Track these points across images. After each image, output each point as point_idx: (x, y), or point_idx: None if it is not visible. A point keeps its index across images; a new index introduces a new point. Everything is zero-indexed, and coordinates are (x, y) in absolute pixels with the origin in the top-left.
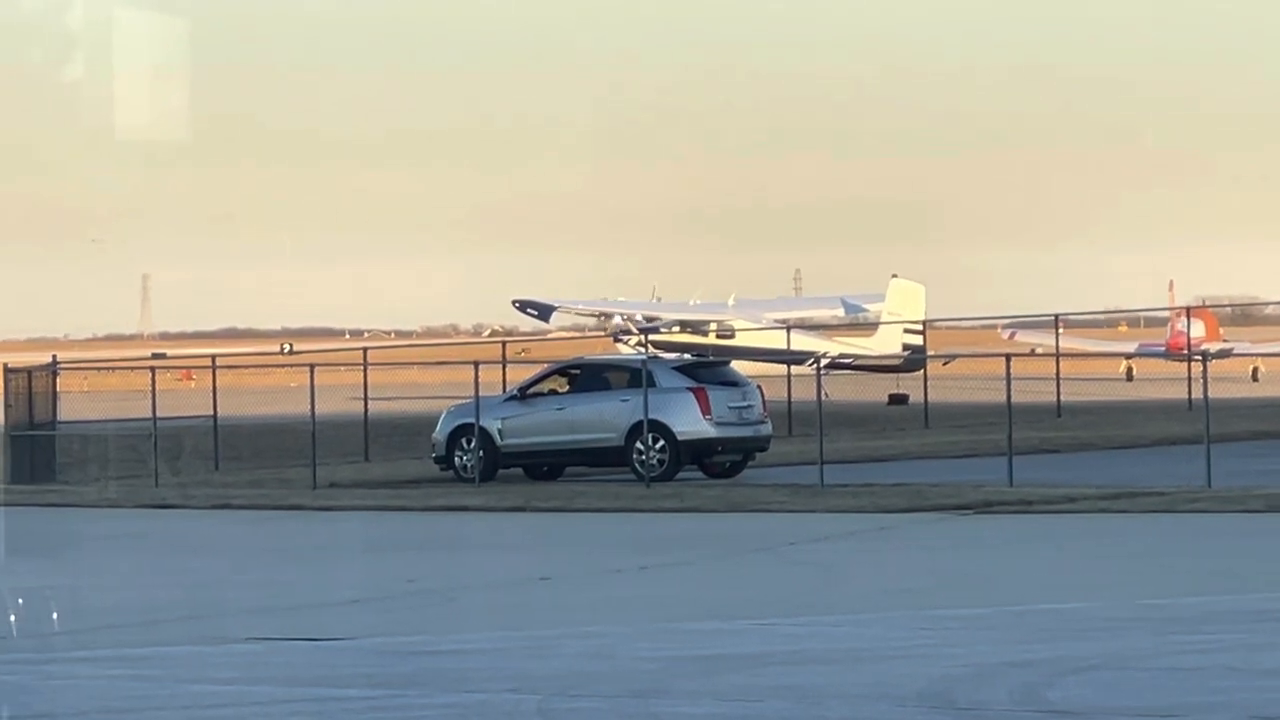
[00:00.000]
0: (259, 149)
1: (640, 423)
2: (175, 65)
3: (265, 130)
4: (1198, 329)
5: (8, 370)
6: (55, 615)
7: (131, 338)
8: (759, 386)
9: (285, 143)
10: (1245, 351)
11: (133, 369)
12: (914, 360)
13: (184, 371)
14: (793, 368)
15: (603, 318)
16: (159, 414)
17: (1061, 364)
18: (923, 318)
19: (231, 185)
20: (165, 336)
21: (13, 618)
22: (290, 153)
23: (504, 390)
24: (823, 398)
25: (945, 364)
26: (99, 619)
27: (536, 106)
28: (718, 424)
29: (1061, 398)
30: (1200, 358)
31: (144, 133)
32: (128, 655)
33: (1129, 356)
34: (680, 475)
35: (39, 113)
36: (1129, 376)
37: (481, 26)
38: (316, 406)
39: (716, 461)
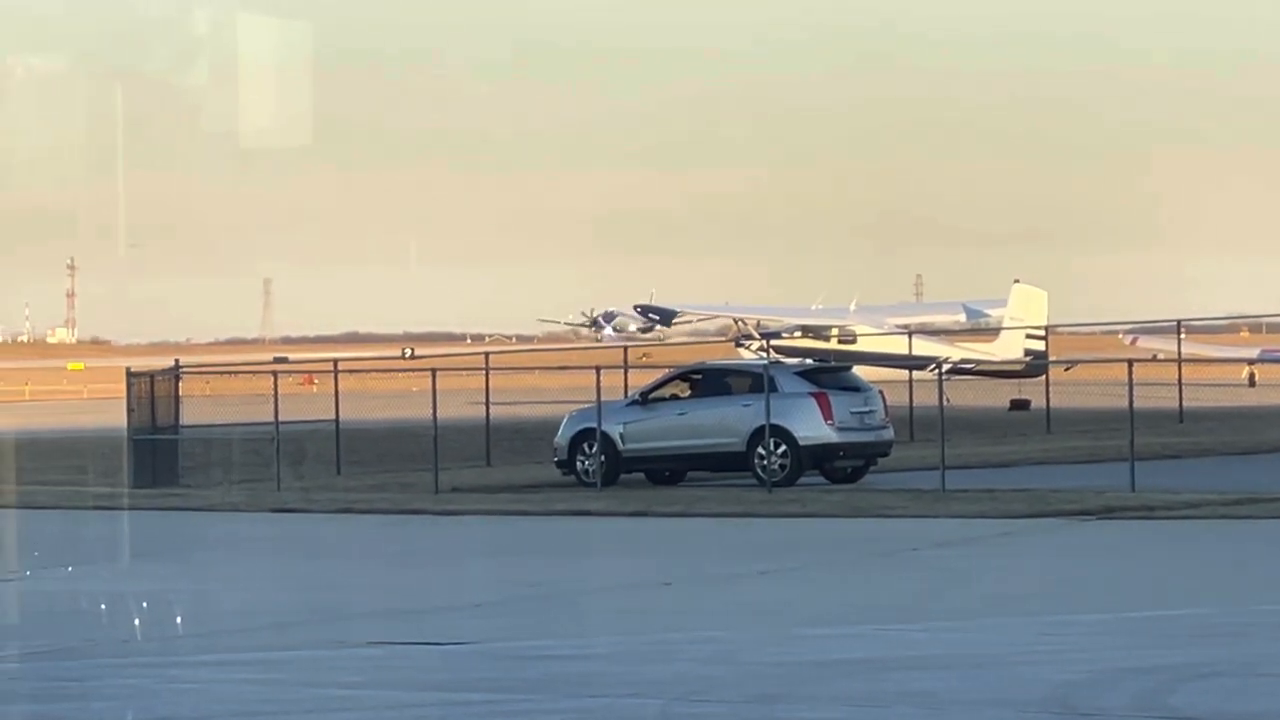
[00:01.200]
0: (382, 153)
1: (762, 428)
2: (297, 69)
3: (388, 133)
4: None
5: (130, 374)
6: (179, 619)
7: (253, 342)
8: (880, 391)
9: (408, 146)
10: None
11: (255, 373)
12: (1036, 365)
13: (306, 376)
14: (914, 373)
15: (739, 323)
16: (281, 418)
17: (1183, 369)
18: (1044, 323)
19: (354, 189)
20: (287, 340)
21: (136, 621)
22: (413, 156)
23: (626, 395)
24: (944, 403)
25: (1067, 369)
26: (222, 622)
27: (663, 112)
28: (839, 429)
29: (1183, 403)
30: None
31: (266, 138)
32: (251, 659)
33: (1251, 362)
34: (802, 480)
35: (161, 118)
36: (1251, 382)
37: (605, 29)
38: (438, 411)
39: (838, 467)
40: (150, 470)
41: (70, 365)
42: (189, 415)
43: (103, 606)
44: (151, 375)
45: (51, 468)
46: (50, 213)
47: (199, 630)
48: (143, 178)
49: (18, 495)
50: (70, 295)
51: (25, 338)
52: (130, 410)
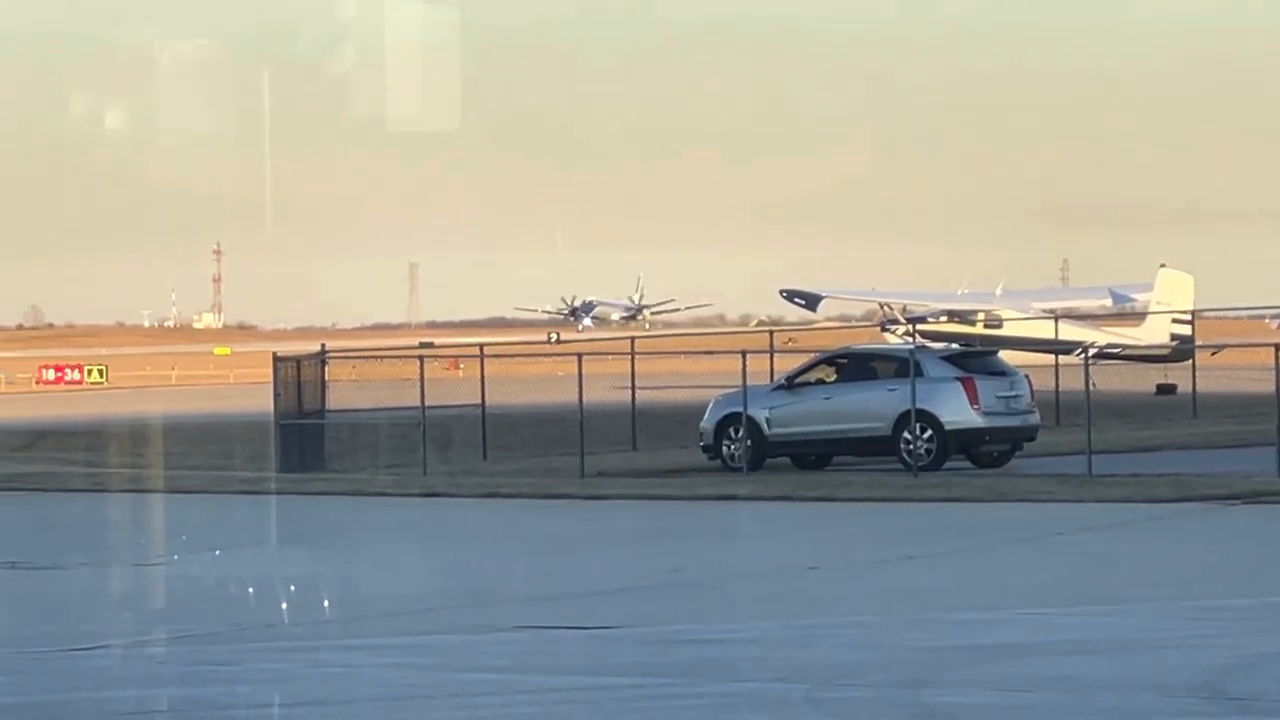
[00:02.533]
0: (529, 137)
1: (908, 412)
2: (444, 52)
3: (536, 118)
4: None
5: (277, 359)
6: (325, 603)
7: (399, 327)
8: (1026, 376)
9: (555, 131)
10: None
11: (401, 358)
12: (1182, 350)
13: (452, 360)
14: (1060, 357)
15: (884, 308)
16: (427, 403)
17: None
18: (1191, 307)
19: (501, 174)
20: (433, 325)
21: (283, 605)
22: (560, 141)
23: (771, 380)
24: (1090, 387)
25: (1214, 354)
26: (368, 607)
27: (808, 95)
28: (985, 414)
29: None
30: None
31: (413, 122)
32: (397, 643)
33: None
34: (947, 465)
35: (309, 103)
36: None
37: (748, 10)
38: (584, 395)
39: (984, 451)
40: (297, 455)
41: (216, 350)
42: (335, 400)
43: (249, 590)
44: (298, 360)
45: (198, 453)
46: (197, 197)
47: (345, 614)
48: (290, 162)
49: (165, 480)
50: (216, 280)
51: (172, 323)
52: (277, 395)
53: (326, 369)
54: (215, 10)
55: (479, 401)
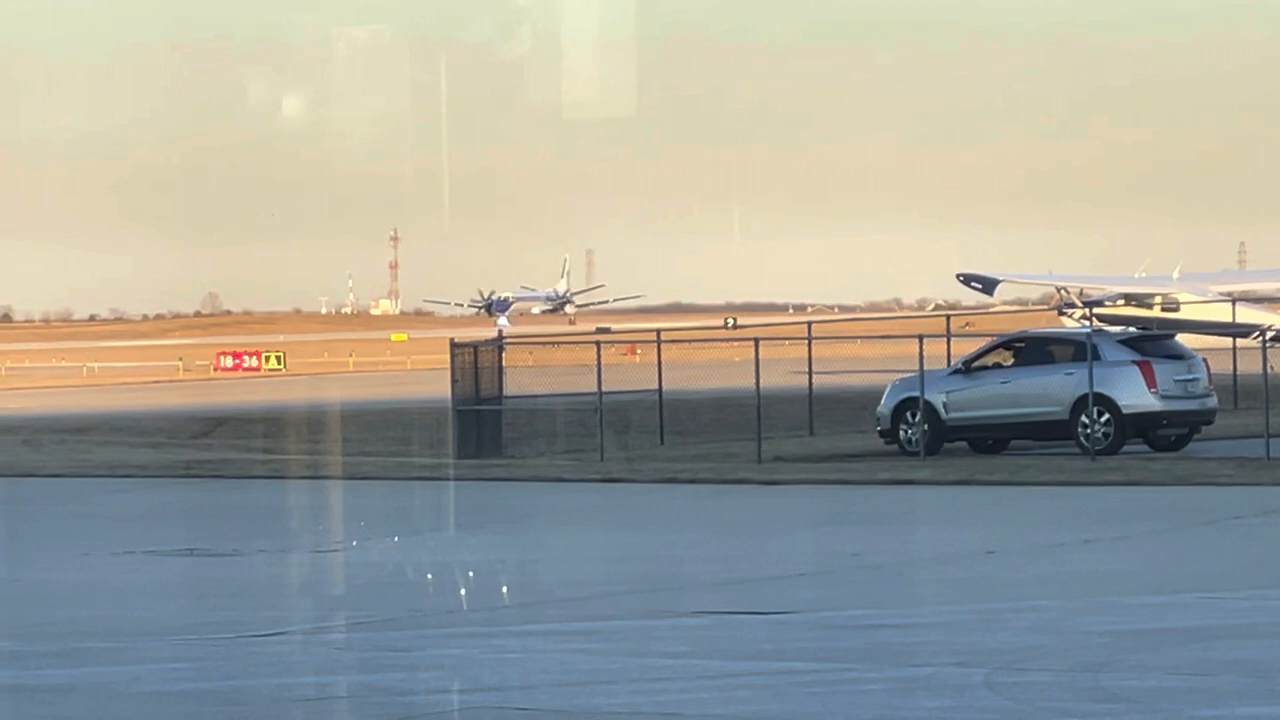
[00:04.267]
0: (703, 123)
1: (1085, 396)
2: (620, 40)
3: (710, 104)
4: None
5: (454, 345)
6: (504, 588)
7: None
8: (1204, 359)
9: (730, 117)
10: None
11: (578, 343)
12: None
13: (628, 346)
14: (1238, 340)
15: (1061, 291)
16: (605, 388)
17: None
18: None
19: (676, 160)
20: (608, 311)
21: (462, 591)
22: (735, 127)
23: (948, 364)
24: (1269, 370)
25: None
26: (547, 592)
27: (986, 84)
28: (1163, 397)
29: None
30: None
31: (589, 109)
32: (576, 629)
33: None
34: (1125, 448)
35: (484, 90)
36: None
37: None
38: (761, 380)
39: (1161, 435)
40: (474, 441)
41: (393, 336)
42: (512, 386)
43: (428, 576)
44: (475, 346)
45: (376, 439)
46: (375, 184)
47: (524, 600)
48: (466, 149)
49: (344, 466)
50: (394, 266)
51: (349, 309)
52: (454, 381)
53: (504, 355)
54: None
55: (656, 387)
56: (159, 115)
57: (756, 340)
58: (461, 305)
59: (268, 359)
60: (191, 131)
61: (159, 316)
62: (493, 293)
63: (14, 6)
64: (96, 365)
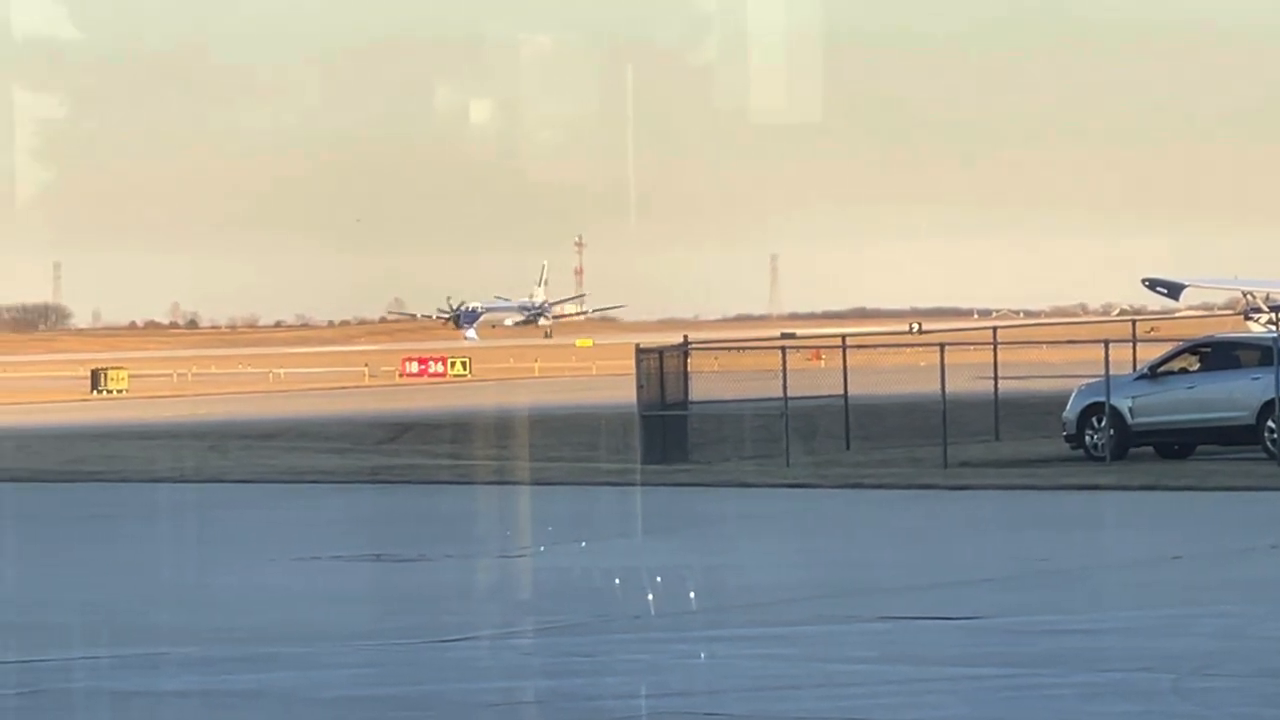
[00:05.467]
0: (889, 127)
1: (1271, 401)
2: (807, 44)
3: (896, 108)
4: None
5: (640, 351)
6: (690, 594)
7: (761, 318)
8: None
9: (916, 120)
10: None
11: (763, 349)
12: None
13: (813, 351)
14: None
15: (1247, 296)
16: (790, 393)
17: None
18: None
19: (861, 164)
20: (794, 316)
21: (648, 596)
22: (921, 131)
23: (1134, 369)
24: None
25: None
26: (733, 598)
27: (1187, 82)
28: None
29: None
30: None
31: (776, 114)
32: (761, 634)
33: None
34: None
35: (671, 94)
36: None
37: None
38: (946, 385)
39: None
40: (660, 446)
41: (579, 342)
42: (698, 391)
43: (615, 581)
44: (660, 351)
45: (563, 444)
46: (560, 190)
47: (710, 605)
48: (652, 155)
49: (529, 472)
50: (579, 272)
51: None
52: (640, 386)
53: (689, 360)
54: (579, 4)
55: (841, 392)
56: (345, 120)
57: (942, 345)
58: (430, 316)
59: (453, 364)
60: (378, 136)
61: (344, 323)
62: (462, 303)
63: (203, 12)
64: (282, 371)
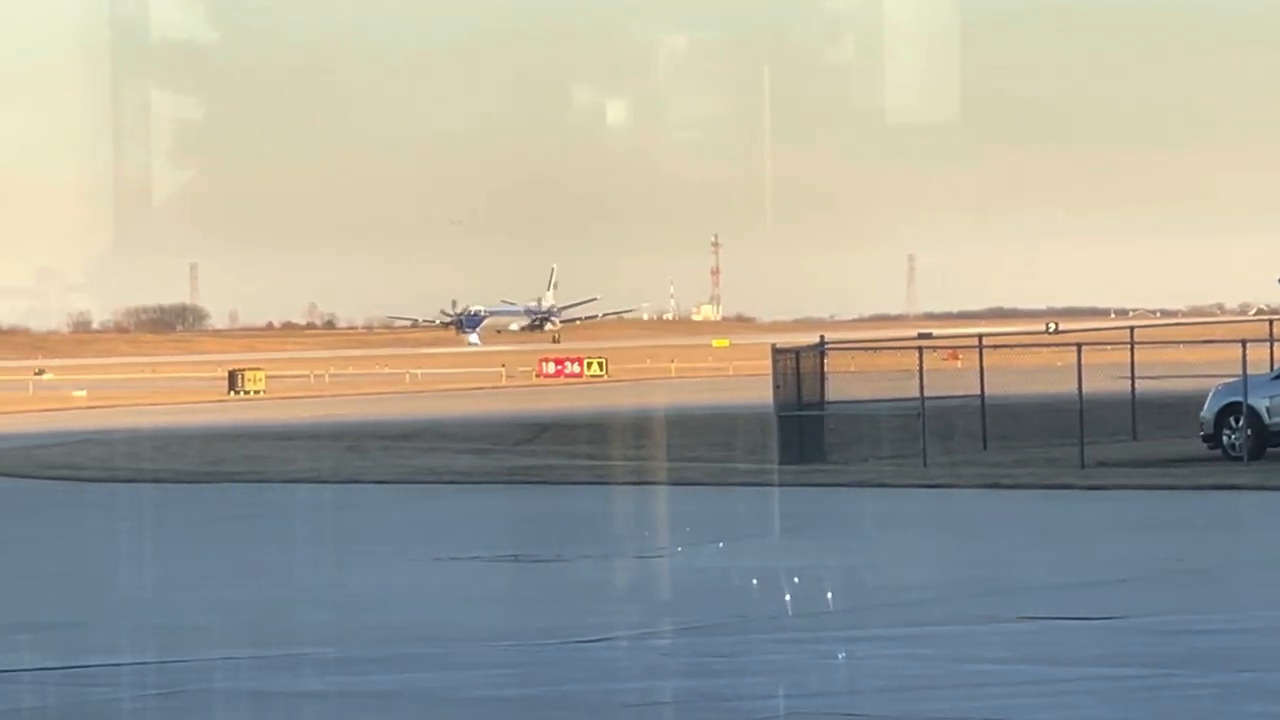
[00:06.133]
0: (1025, 127)
1: None
2: (944, 43)
3: (1032, 107)
4: None
5: (776, 351)
6: (828, 594)
7: (897, 318)
8: None
9: (1052, 120)
10: None
11: (899, 349)
12: None
13: (950, 351)
14: None
15: None
16: (926, 393)
17: None
18: None
19: (997, 164)
20: (930, 316)
21: (786, 597)
22: (1057, 130)
23: (1271, 369)
24: None
25: None
26: (870, 597)
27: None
28: None
29: None
30: None
31: (913, 113)
32: (900, 634)
33: None
34: None
35: (809, 96)
36: None
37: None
38: (1083, 385)
39: None
40: (797, 446)
41: (715, 342)
42: (834, 391)
43: (753, 582)
44: (796, 351)
45: (700, 444)
46: (696, 190)
47: (848, 605)
48: (788, 154)
49: (667, 472)
50: (714, 272)
51: (670, 315)
52: (776, 386)
53: (826, 360)
54: (716, 4)
55: (978, 392)
56: (482, 120)
57: (1079, 345)
58: (432, 321)
59: (590, 365)
60: (515, 137)
61: None
62: (465, 308)
63: (341, 13)
64: (419, 372)
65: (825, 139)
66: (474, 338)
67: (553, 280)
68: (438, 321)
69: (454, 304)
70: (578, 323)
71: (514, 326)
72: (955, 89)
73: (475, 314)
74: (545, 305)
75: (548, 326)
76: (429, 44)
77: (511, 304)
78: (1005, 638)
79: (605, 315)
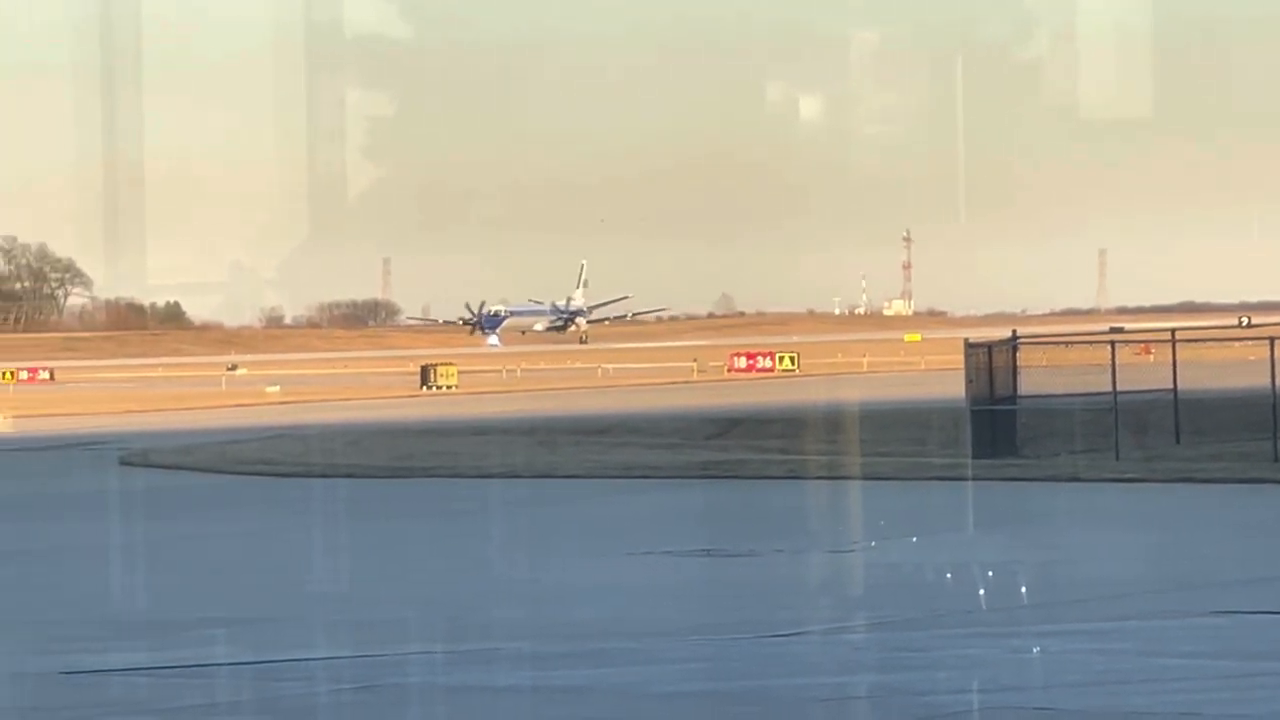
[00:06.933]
0: (1220, 121)
1: None
2: (1137, 39)
3: (1225, 102)
4: None
5: (968, 345)
6: (1021, 589)
7: (1088, 313)
8: None
9: (1245, 115)
10: None
11: (1091, 343)
12: None
13: (1142, 345)
14: None
15: None
16: (1119, 388)
17: None
18: None
19: (1190, 159)
20: (1121, 311)
21: (980, 591)
22: (1248, 125)
23: None
24: None
25: None
26: (1064, 592)
27: None
28: None
29: None
30: None
31: (1105, 109)
32: (1093, 629)
33: None
34: None
35: (1000, 91)
36: None
37: None
38: (1277, 380)
39: None
40: (989, 441)
41: (907, 337)
42: (1026, 385)
43: (946, 576)
44: (989, 346)
45: (892, 439)
46: (888, 185)
47: (1041, 600)
48: (979, 150)
49: (859, 467)
50: (906, 267)
51: (862, 310)
52: (969, 381)
53: (1018, 355)
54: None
55: (1170, 386)
56: (673, 117)
57: (1272, 339)
58: (454, 322)
59: (781, 360)
60: (707, 133)
61: (672, 318)
62: (482, 305)
63: (532, 11)
64: (611, 367)
65: (1017, 134)
66: (493, 339)
67: (582, 277)
68: (460, 321)
69: (468, 305)
70: (606, 323)
71: (538, 327)
72: (1147, 84)
73: (495, 314)
74: (574, 304)
75: (571, 328)
76: (620, 41)
77: (539, 303)
78: (1198, 632)
79: (635, 315)
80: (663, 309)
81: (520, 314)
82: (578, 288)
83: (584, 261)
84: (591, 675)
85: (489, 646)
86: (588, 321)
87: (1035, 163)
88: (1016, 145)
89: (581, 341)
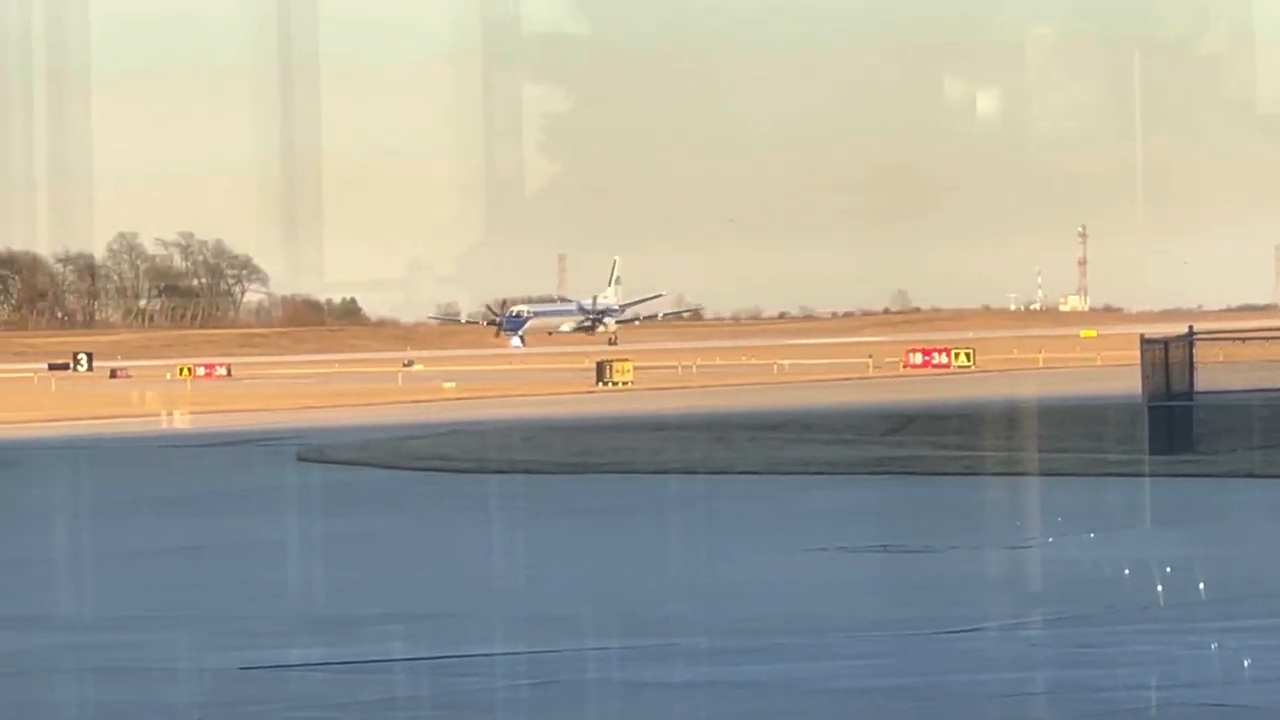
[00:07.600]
0: None
1: None
2: None
3: None
4: None
5: (1145, 341)
6: (1198, 585)
7: (1265, 308)
8: None
9: None
10: None
11: (1269, 339)
12: None
13: None
14: None
15: None
16: None
17: None
18: None
19: None
20: None
21: (1158, 587)
22: None
23: None
24: None
25: None
26: (1242, 588)
27: None
28: None
29: None
30: None
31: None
32: (1270, 625)
33: None
34: None
35: (1179, 86)
36: None
37: None
38: None
39: None
40: (1166, 437)
41: (1083, 332)
42: (1204, 381)
43: (1124, 572)
44: (1165, 342)
45: (1068, 435)
46: (1064, 181)
47: (1219, 596)
48: (1157, 144)
49: (1038, 463)
50: (1082, 262)
51: (1037, 305)
52: (1145, 377)
53: (1195, 350)
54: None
55: None
56: (847, 113)
57: None
58: (478, 321)
59: (957, 356)
60: (883, 129)
61: (848, 314)
62: (504, 303)
63: (702, 7)
64: (786, 363)
65: (1193, 128)
66: (516, 340)
67: (614, 275)
68: (482, 322)
69: (488, 305)
70: (636, 323)
71: (565, 328)
72: None
73: (518, 315)
74: (603, 303)
75: (599, 329)
76: (797, 37)
77: (567, 301)
78: None
79: (665, 315)
80: (694, 308)
81: (545, 314)
82: (609, 285)
83: (616, 258)
84: (770, 671)
85: (666, 642)
86: (617, 322)
87: (1211, 157)
88: (1192, 140)
89: (611, 343)
